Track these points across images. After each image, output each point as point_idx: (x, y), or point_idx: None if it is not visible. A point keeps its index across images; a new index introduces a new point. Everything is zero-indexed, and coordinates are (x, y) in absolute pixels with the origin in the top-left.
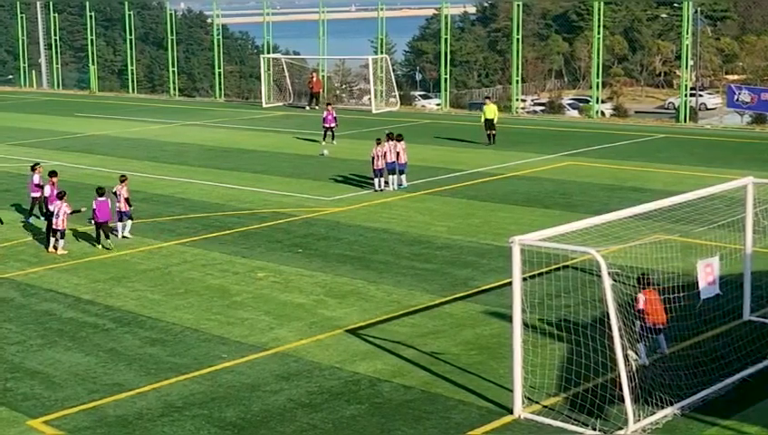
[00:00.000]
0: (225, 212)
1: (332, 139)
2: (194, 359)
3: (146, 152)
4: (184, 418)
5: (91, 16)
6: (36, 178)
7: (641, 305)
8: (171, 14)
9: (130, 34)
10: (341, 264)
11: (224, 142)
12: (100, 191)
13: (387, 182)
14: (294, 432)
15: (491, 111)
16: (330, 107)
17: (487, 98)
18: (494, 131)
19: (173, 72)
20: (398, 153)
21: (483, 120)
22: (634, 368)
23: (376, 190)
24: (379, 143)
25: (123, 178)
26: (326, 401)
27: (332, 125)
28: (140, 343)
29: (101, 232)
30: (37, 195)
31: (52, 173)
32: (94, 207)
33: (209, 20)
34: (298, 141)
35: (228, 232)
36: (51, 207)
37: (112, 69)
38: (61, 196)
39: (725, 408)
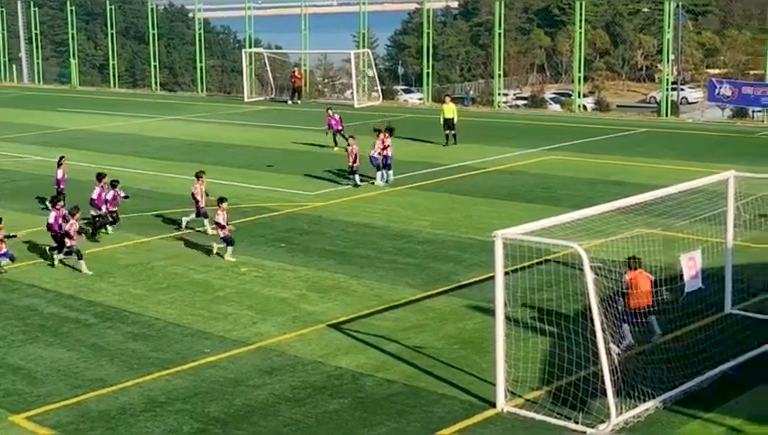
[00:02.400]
0: (209, 207)
1: (337, 143)
2: (177, 354)
3: (129, 147)
4: (167, 413)
5: (71, 10)
6: (59, 173)
7: (626, 285)
8: (153, 9)
9: (112, 29)
10: (324, 258)
11: (206, 137)
12: (113, 183)
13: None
14: (277, 427)
15: (450, 110)
16: (330, 111)
17: (447, 96)
18: (453, 131)
19: (155, 66)
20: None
21: (442, 119)
22: (616, 361)
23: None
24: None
25: (102, 176)
26: (309, 396)
27: (339, 128)
28: (123, 338)
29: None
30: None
31: (101, 175)
32: (112, 195)
33: (191, 14)
34: (280, 136)
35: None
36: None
37: (93, 63)
38: (73, 213)
39: (707, 401)
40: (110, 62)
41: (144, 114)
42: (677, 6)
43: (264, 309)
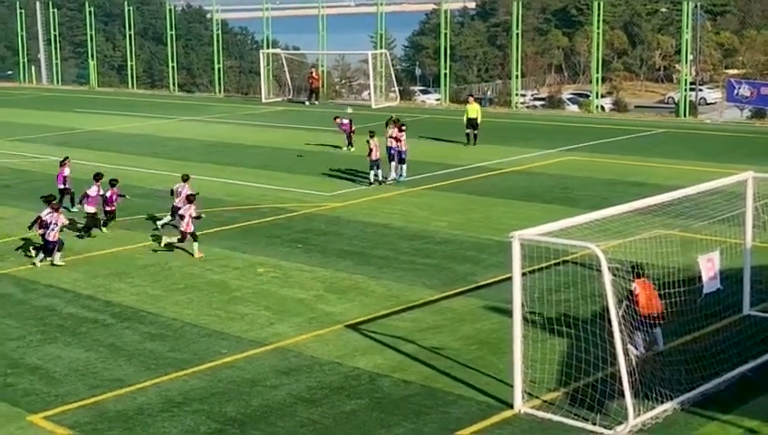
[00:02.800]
0: (225, 207)
1: (352, 145)
2: (194, 354)
3: (146, 148)
4: (184, 413)
5: (90, 12)
6: (66, 171)
7: (635, 295)
8: (171, 10)
9: (130, 30)
10: (341, 259)
11: (224, 138)
12: (113, 182)
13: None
14: (294, 427)
15: (474, 110)
16: (338, 120)
17: (470, 96)
18: (476, 131)
19: (172, 67)
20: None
21: (465, 119)
22: (634, 363)
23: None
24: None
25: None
26: (326, 396)
27: (352, 130)
28: (140, 338)
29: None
30: (61, 187)
31: (98, 175)
32: (109, 194)
33: (208, 15)
34: (298, 137)
35: (228, 227)
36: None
37: (112, 64)
38: (56, 208)
39: (725, 402)
40: (129, 63)
41: (162, 115)
42: (696, 6)
43: (282, 310)
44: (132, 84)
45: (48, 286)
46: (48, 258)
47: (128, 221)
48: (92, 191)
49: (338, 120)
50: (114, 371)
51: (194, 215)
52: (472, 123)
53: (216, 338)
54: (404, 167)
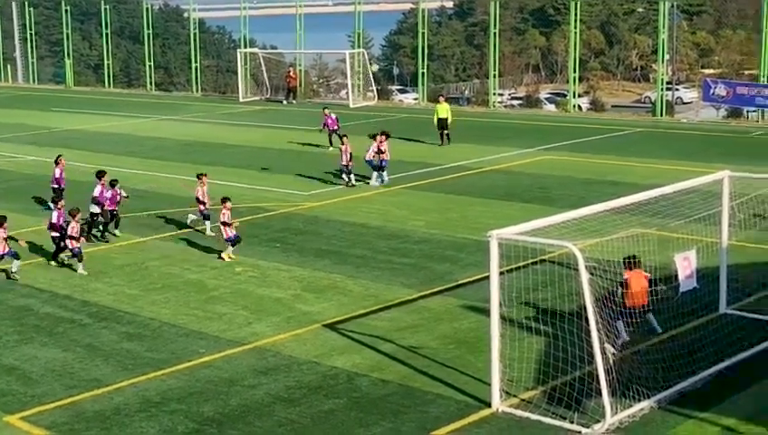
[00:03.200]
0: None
1: (331, 144)
2: (171, 354)
3: (123, 147)
4: (162, 413)
5: (66, 10)
6: (57, 172)
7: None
8: (147, 9)
9: (106, 29)
10: (319, 258)
11: (201, 137)
12: (112, 182)
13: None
14: (272, 427)
15: (444, 109)
16: (326, 110)
17: (440, 96)
18: (446, 131)
19: (149, 66)
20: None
21: (435, 119)
22: (611, 361)
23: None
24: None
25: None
26: (304, 396)
27: (335, 128)
28: (118, 338)
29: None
30: (55, 186)
31: (101, 173)
32: (110, 195)
33: (186, 14)
34: (276, 136)
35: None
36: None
37: (88, 63)
38: (73, 214)
39: (702, 400)
40: (105, 62)
41: (139, 114)
42: (672, 6)
43: (259, 309)
44: (109, 83)
45: (25, 286)
46: (51, 262)
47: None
48: (97, 191)
49: (326, 111)
50: (91, 371)
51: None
52: (442, 123)
53: (194, 338)
54: (385, 173)
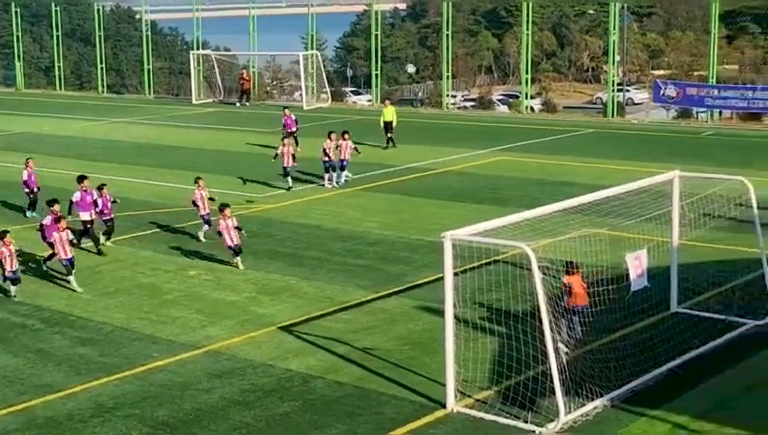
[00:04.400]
0: (156, 210)
1: (296, 144)
2: (125, 358)
3: (75, 150)
4: (115, 418)
5: (16, 12)
6: (25, 174)
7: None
8: (99, 10)
9: (57, 31)
10: (273, 260)
11: (154, 139)
12: (101, 186)
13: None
14: (227, 430)
15: (390, 112)
16: (287, 111)
17: (387, 99)
18: (391, 134)
19: (101, 68)
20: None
21: (381, 122)
22: (564, 361)
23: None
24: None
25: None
26: (259, 399)
27: (293, 129)
28: (70, 343)
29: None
30: (26, 190)
31: (82, 178)
32: (101, 201)
33: (138, 16)
34: (229, 138)
35: (159, 230)
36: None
37: (39, 66)
38: (58, 220)
39: (654, 398)
40: (56, 65)
41: (91, 117)
42: (622, 8)
43: (214, 312)
44: (60, 86)
45: None
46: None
47: None
48: (76, 197)
49: (287, 112)
50: (43, 376)
51: (234, 226)
52: (388, 126)
53: (148, 342)
54: (343, 173)
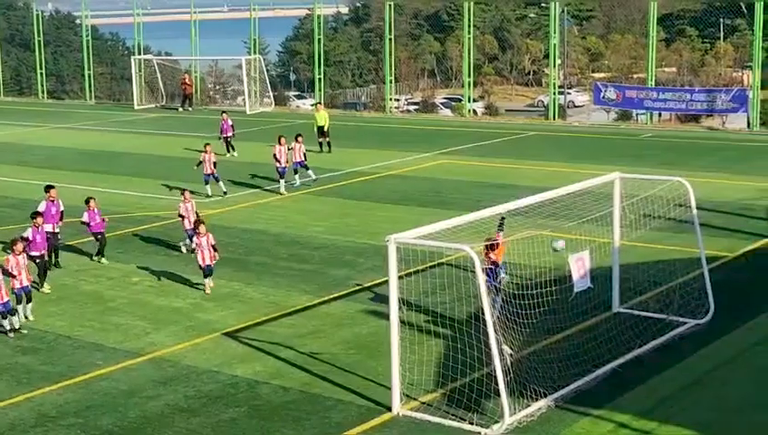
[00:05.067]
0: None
1: (233, 149)
2: (68, 367)
3: (14, 156)
4: (58, 427)
5: None
6: None
7: (491, 253)
8: (38, 15)
9: None
10: (218, 266)
11: (96, 145)
12: (87, 200)
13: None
14: None
15: (322, 117)
16: (225, 115)
17: (318, 104)
18: (326, 138)
19: (41, 74)
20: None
21: (315, 127)
22: (509, 362)
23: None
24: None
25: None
26: (204, 406)
27: (230, 134)
28: (11, 352)
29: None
30: None
31: (49, 187)
32: (86, 219)
33: (78, 21)
34: (172, 143)
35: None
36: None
37: None
38: (14, 244)
39: (597, 398)
40: None
41: (31, 123)
42: (563, 12)
43: (158, 319)
44: None
45: None
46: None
47: None
48: (42, 207)
49: (224, 116)
50: None
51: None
52: (321, 131)
53: (91, 350)
54: (308, 171)
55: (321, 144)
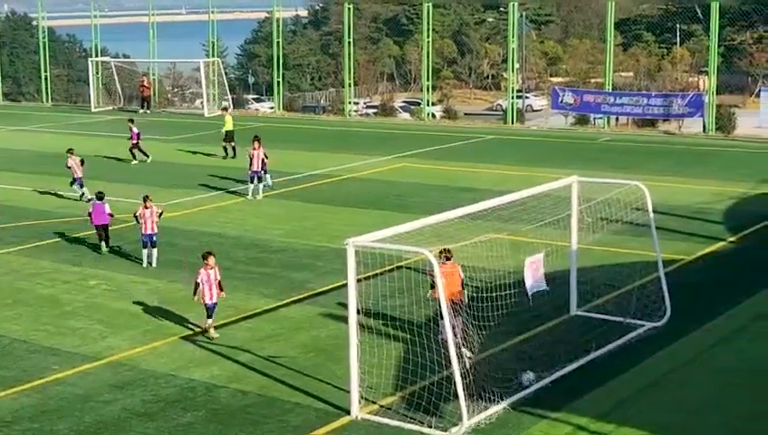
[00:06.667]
0: (56, 219)
1: (145, 155)
2: (23, 371)
3: None
4: (13, 432)
5: None
6: None
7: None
8: None
9: None
10: (176, 269)
11: (53, 148)
12: (99, 195)
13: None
14: None
15: (229, 122)
16: (131, 123)
17: (224, 109)
18: (233, 143)
19: None
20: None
21: (224, 132)
22: (467, 365)
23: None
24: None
25: None
26: (162, 410)
27: (136, 142)
28: None
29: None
30: None
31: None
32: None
33: (34, 22)
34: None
35: (58, 240)
36: None
37: None
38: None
39: (555, 400)
40: None
41: None
42: (521, 16)
43: (115, 323)
44: None
45: None
46: None
47: None
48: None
49: (130, 125)
50: None
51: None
52: (230, 136)
53: (47, 354)
54: (267, 176)
55: (225, 149)
